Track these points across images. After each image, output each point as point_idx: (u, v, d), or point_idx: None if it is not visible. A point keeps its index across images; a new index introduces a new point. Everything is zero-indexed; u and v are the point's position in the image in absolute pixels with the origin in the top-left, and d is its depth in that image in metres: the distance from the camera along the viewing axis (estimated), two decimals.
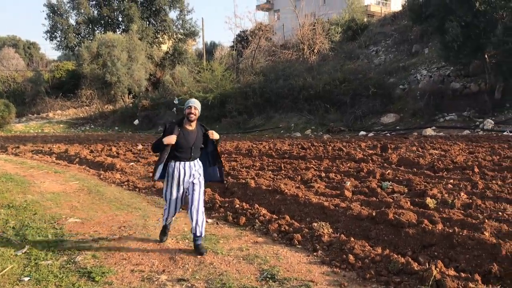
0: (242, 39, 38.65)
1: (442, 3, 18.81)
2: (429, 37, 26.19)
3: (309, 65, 29.46)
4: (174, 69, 38.91)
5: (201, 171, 5.28)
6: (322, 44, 31.06)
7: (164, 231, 5.63)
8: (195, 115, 5.12)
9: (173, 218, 5.53)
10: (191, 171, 5.16)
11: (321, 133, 21.79)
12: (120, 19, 43.81)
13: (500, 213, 5.90)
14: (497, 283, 3.97)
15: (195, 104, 5.17)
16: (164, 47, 45.12)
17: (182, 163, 5.14)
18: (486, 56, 18.81)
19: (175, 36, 44.79)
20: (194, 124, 5.20)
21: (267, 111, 27.09)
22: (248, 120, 27.20)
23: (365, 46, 31.67)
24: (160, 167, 5.18)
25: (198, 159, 5.29)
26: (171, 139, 5.03)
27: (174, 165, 5.15)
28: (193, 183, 5.15)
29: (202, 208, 5.14)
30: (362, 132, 20.23)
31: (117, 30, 43.38)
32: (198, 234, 5.11)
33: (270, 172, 10.36)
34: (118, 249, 5.42)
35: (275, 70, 29.70)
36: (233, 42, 40.10)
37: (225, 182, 5.73)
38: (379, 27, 33.80)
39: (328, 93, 24.12)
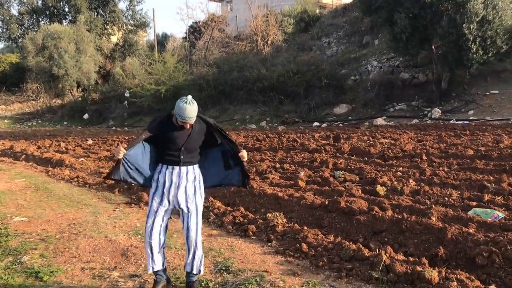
0: (195, 30, 38.11)
1: None
2: (379, 29, 26.69)
3: (263, 56, 29.48)
4: (125, 61, 37.79)
5: (198, 184, 3.95)
6: (276, 35, 31.14)
7: (157, 283, 3.98)
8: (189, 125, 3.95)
9: (161, 259, 3.96)
10: (180, 182, 3.84)
11: (276, 124, 21.92)
12: (66, 9, 42.10)
13: (446, 198, 6.14)
14: (443, 265, 4.12)
15: (191, 121, 3.91)
16: (114, 39, 43.82)
17: (170, 167, 3.85)
18: (433, 47, 19.42)
19: (125, 27, 43.57)
20: None
21: (222, 103, 26.91)
22: (202, 113, 26.38)
23: (318, 37, 32.00)
24: (120, 167, 3.82)
25: (195, 166, 3.96)
26: (117, 152, 3.79)
27: (161, 169, 3.90)
28: (188, 207, 3.89)
29: (200, 240, 3.96)
30: (316, 123, 20.50)
31: (64, 21, 41.67)
32: (195, 271, 3.96)
33: None
34: (68, 247, 5.25)
35: (229, 61, 29.52)
36: (186, 33, 39.46)
37: (248, 186, 4.39)
38: (331, 19, 34.21)
39: (282, 84, 24.23)
